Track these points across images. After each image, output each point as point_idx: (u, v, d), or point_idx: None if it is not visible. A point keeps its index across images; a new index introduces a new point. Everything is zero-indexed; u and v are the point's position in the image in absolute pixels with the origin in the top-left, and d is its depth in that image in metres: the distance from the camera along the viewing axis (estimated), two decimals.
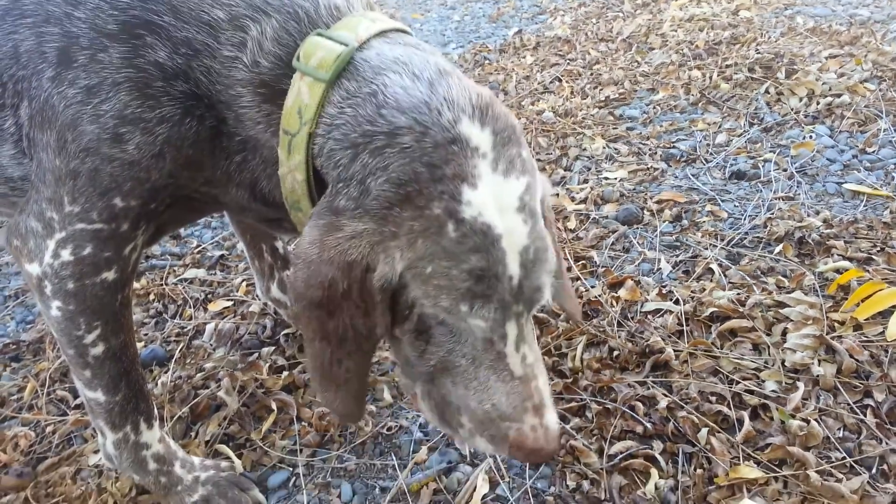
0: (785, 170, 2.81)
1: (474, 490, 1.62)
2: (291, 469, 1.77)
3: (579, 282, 2.29)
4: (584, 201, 2.78)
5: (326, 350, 1.12)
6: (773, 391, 1.76)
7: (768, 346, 1.89)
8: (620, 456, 1.65)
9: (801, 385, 1.75)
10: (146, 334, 2.34)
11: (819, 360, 1.82)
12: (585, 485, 1.59)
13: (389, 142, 1.03)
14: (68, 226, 1.25)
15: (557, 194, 2.86)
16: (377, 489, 1.69)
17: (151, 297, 2.54)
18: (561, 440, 1.18)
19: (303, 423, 1.89)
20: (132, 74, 1.14)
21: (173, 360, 2.17)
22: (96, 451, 1.86)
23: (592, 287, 2.24)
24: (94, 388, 1.46)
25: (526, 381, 1.12)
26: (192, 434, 1.89)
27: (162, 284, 2.60)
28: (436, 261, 1.02)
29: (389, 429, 1.85)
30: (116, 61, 1.13)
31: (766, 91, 3.49)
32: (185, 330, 2.33)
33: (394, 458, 1.76)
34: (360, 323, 1.09)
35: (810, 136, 3.03)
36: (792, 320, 1.96)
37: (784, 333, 1.92)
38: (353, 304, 1.06)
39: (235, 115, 1.20)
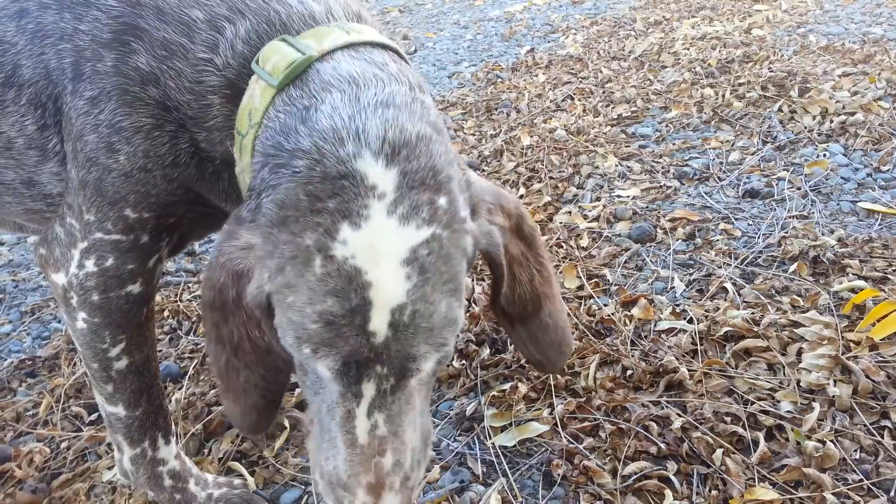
0: (799, 188, 2.80)
1: None
2: (304, 487, 1.77)
3: (592, 300, 2.28)
4: (596, 219, 2.78)
5: (222, 355, 1.10)
6: (788, 412, 1.75)
7: (783, 367, 1.88)
8: (634, 476, 1.63)
9: (816, 406, 1.73)
10: (160, 350, 2.35)
11: (835, 381, 1.80)
12: None
13: (287, 162, 0.99)
14: (88, 235, 1.28)
15: (570, 212, 2.87)
16: None
17: (166, 313, 2.56)
18: None
19: None
20: (118, 82, 1.16)
21: (187, 376, 2.18)
22: (110, 468, 1.87)
23: (605, 305, 2.24)
24: (114, 403, 1.47)
25: (367, 454, 0.99)
26: (206, 451, 1.90)
27: (177, 301, 2.62)
28: (297, 293, 0.94)
29: None
30: (110, 70, 1.15)
31: (780, 109, 3.48)
32: (199, 347, 2.34)
33: None
34: (256, 335, 1.05)
35: (824, 155, 3.02)
36: (807, 340, 1.94)
37: (799, 353, 1.91)
38: (244, 313, 1.03)
39: (207, 132, 1.20)
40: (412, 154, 0.96)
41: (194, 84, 1.16)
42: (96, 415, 2.07)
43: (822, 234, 2.44)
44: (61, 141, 1.27)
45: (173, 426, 1.62)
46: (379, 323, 0.92)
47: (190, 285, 2.75)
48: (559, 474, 1.68)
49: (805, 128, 3.28)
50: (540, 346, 1.29)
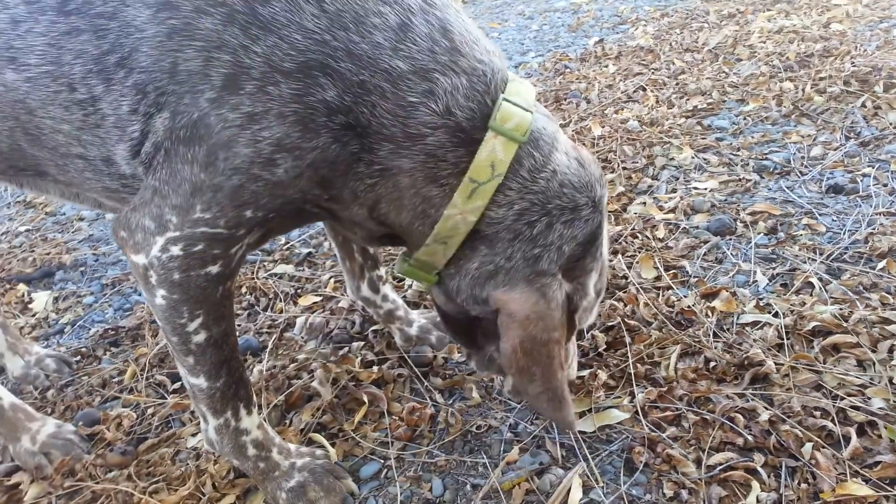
0: (885, 185, 2.71)
1: (568, 492, 1.61)
2: (383, 461, 1.79)
3: (670, 291, 2.25)
4: (672, 210, 2.74)
5: (563, 375, 1.41)
6: (880, 408, 1.70)
7: (874, 363, 1.82)
8: (720, 467, 1.61)
9: None
10: (239, 325, 2.40)
11: None
12: (684, 494, 1.56)
13: (576, 216, 1.38)
14: (187, 228, 1.30)
15: (644, 203, 2.83)
16: (468, 486, 1.69)
17: (244, 290, 2.61)
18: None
19: (393, 417, 1.91)
20: (300, 109, 1.20)
21: (267, 350, 2.23)
22: (194, 434, 1.93)
23: (685, 297, 2.20)
24: (196, 375, 1.52)
25: None
26: (287, 422, 1.93)
27: (253, 278, 2.67)
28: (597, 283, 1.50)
29: (479, 427, 1.85)
30: (287, 96, 1.18)
31: (863, 105, 3.37)
32: (277, 322, 2.39)
33: (483, 456, 1.77)
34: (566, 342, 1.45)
35: None
36: None
37: (891, 350, 1.85)
38: (566, 329, 1.40)
39: (395, 147, 1.28)
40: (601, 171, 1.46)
41: (401, 119, 1.25)
42: (179, 383, 2.13)
43: None
44: (142, 132, 1.28)
45: (255, 397, 1.66)
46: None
47: (265, 264, 2.80)
48: (641, 461, 1.66)
49: (890, 124, 3.17)
50: None
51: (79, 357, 2.40)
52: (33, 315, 2.76)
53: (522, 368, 1.37)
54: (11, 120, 1.40)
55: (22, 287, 2.95)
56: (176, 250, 1.33)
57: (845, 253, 2.32)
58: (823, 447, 1.62)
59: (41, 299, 2.84)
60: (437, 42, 1.25)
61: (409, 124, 1.26)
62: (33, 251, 3.27)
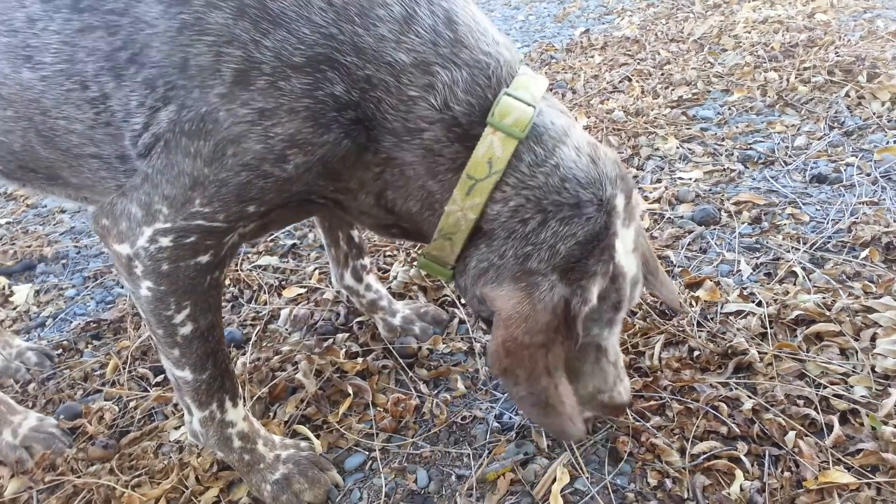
0: (868, 174, 2.72)
1: (553, 482, 1.61)
2: (367, 453, 1.78)
3: None
4: (657, 201, 2.74)
5: (549, 381, 1.33)
6: (862, 396, 1.71)
7: (856, 351, 1.84)
8: (703, 456, 1.62)
9: (893, 391, 1.69)
10: (223, 317, 2.37)
11: None
12: (668, 483, 1.57)
13: (576, 213, 1.28)
14: (181, 220, 1.28)
15: None
16: (453, 477, 1.69)
17: (228, 281, 2.59)
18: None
19: (377, 408, 1.90)
20: (311, 104, 1.18)
21: (250, 342, 2.21)
22: (177, 427, 1.91)
23: None
24: (181, 367, 1.50)
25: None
26: (271, 414, 1.92)
27: (237, 270, 2.65)
28: (602, 295, 1.36)
29: (464, 418, 1.85)
30: (297, 91, 1.17)
31: (847, 94, 3.38)
32: (261, 314, 2.38)
33: (468, 447, 1.76)
34: (560, 348, 1.33)
35: (894, 142, 2.92)
36: (881, 326, 1.89)
37: (873, 339, 1.86)
38: (560, 334, 1.31)
39: (397, 141, 1.27)
40: (623, 174, 1.36)
41: (403, 113, 1.24)
42: (162, 376, 2.11)
43: (894, 221, 2.36)
44: (144, 125, 1.26)
45: (240, 389, 1.64)
46: (628, 292, 1.43)
47: (249, 256, 2.78)
48: (626, 451, 1.66)
49: (874, 114, 3.19)
50: (670, 291, 1.79)
51: (60, 350, 2.38)
52: (14, 308, 2.72)
53: (505, 370, 1.31)
54: (25, 120, 1.36)
55: (3, 280, 2.92)
56: (166, 241, 1.30)
57: (829, 242, 2.33)
58: (806, 435, 1.63)
59: (22, 292, 2.81)
60: (441, 34, 1.22)
61: (409, 118, 1.24)
62: (14, 244, 3.22)
